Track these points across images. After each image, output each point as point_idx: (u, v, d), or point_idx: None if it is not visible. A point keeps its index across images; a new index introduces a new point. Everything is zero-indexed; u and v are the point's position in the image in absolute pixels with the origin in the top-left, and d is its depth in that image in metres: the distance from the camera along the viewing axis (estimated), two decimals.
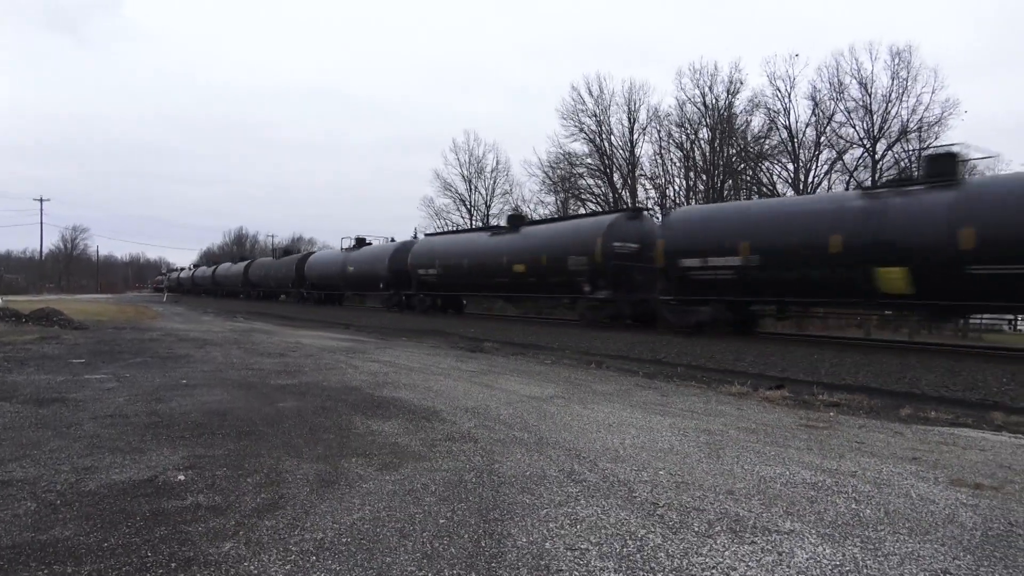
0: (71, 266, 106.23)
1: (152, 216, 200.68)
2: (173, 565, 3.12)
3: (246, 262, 56.29)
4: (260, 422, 6.39)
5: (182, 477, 4.52)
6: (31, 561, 3.15)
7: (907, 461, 5.34)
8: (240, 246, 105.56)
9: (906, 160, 34.26)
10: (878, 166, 35.54)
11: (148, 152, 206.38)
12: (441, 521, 3.72)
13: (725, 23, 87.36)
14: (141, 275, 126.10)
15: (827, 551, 3.35)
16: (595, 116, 43.99)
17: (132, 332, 18.16)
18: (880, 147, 35.66)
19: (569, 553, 3.29)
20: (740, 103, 39.97)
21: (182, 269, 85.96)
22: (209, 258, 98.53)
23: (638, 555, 3.27)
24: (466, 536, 3.50)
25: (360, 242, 37.18)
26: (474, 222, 52.46)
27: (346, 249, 38.46)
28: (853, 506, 4.08)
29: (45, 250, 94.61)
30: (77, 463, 4.85)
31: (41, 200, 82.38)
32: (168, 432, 5.89)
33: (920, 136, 34.51)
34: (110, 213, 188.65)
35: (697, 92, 40.50)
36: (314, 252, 51.57)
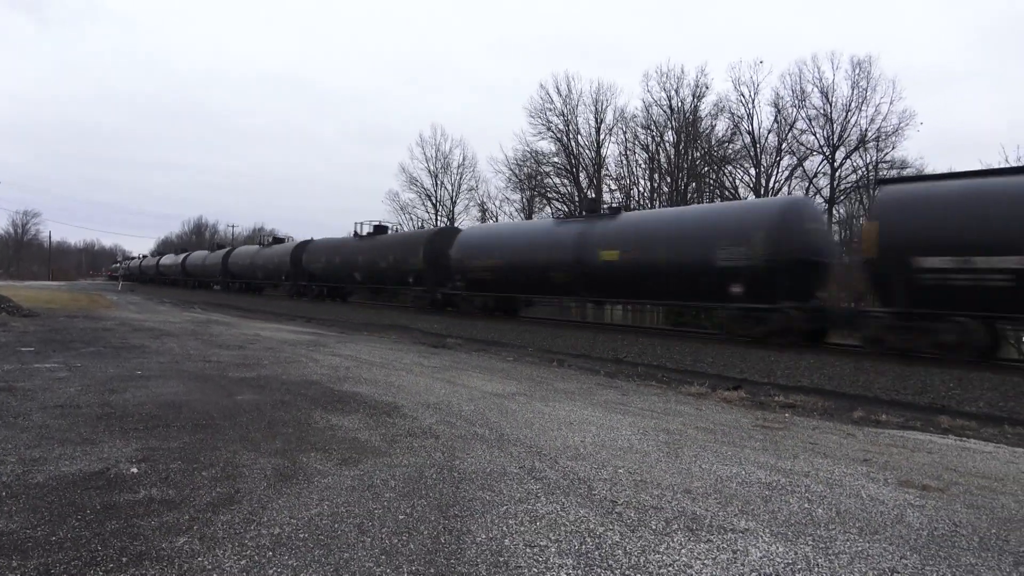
0: (22, 252, 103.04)
1: (108, 202, 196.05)
2: (124, 560, 3.06)
3: (225, 250, 51.91)
4: (217, 415, 6.28)
5: (135, 470, 4.42)
6: None
7: (858, 462, 5.47)
8: (199, 235, 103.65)
9: (863, 169, 35.13)
10: (837, 174, 36.35)
11: (104, 136, 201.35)
12: (400, 517, 3.71)
13: (693, 27, 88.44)
14: (95, 262, 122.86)
15: (780, 549, 3.42)
16: (563, 115, 44.20)
17: (85, 321, 17.67)
18: (839, 155, 36.47)
19: (528, 550, 3.30)
20: (705, 107, 40.57)
21: (139, 257, 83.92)
22: (167, 247, 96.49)
23: (596, 552, 3.30)
24: (425, 532, 3.49)
25: (380, 229, 31.92)
26: (439, 218, 52.27)
27: (260, 246, 38.90)
28: (806, 506, 4.17)
29: None
30: (24, 454, 4.71)
31: None
32: (121, 424, 5.76)
33: (878, 145, 35.42)
34: (64, 198, 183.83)
35: (663, 95, 40.99)
36: (235, 248, 51.17)
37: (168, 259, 66.17)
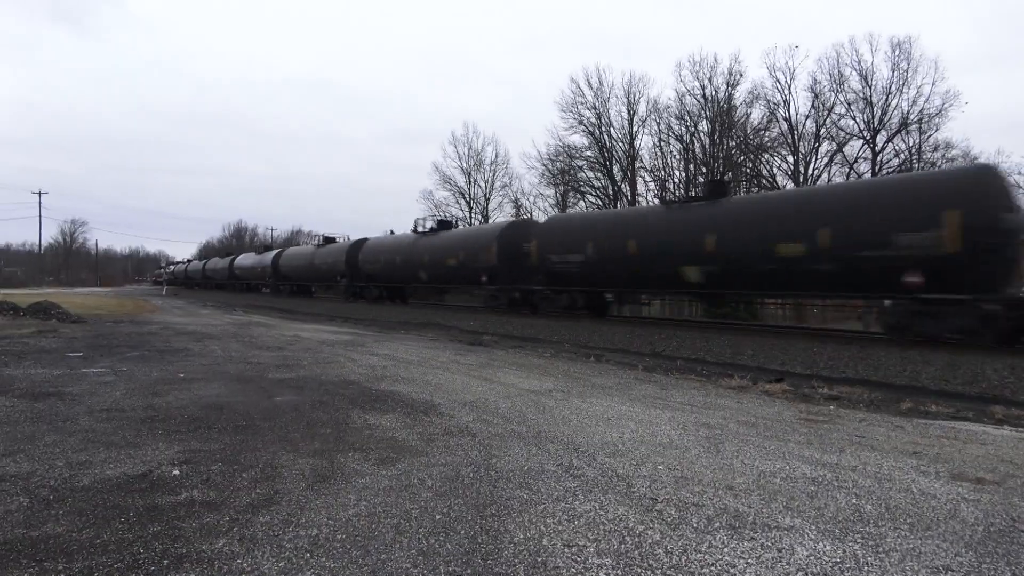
0: (70, 259, 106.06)
1: (151, 209, 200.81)
2: (165, 562, 3.09)
3: (275, 251, 50.30)
4: (257, 416, 6.35)
5: (177, 472, 4.48)
6: (22, 558, 3.12)
7: (908, 455, 5.30)
8: (240, 239, 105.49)
9: (906, 152, 34.19)
10: (878, 158, 35.45)
11: (147, 144, 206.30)
12: (437, 517, 3.69)
13: (725, 15, 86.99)
14: (141, 268, 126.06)
15: (827, 547, 3.31)
16: (594, 109, 43.89)
17: (130, 326, 18.11)
18: (880, 139, 35.57)
19: (566, 549, 3.25)
20: (740, 95, 39.93)
21: (182, 262, 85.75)
22: (209, 251, 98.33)
23: (636, 552, 3.23)
24: (462, 532, 3.46)
25: (444, 224, 30.48)
26: (473, 216, 52.38)
27: (315, 246, 38.02)
28: (853, 501, 4.04)
29: (44, 243, 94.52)
30: (72, 458, 4.81)
31: (40, 193, 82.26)
32: (164, 426, 5.85)
33: (920, 128, 34.43)
34: (109, 206, 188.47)
35: (697, 84, 40.45)
36: (285, 249, 50.61)
37: (215, 263, 64.72)
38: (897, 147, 35.34)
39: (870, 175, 34.74)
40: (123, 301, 35.20)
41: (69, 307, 21.53)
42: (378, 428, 5.93)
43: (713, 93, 40.12)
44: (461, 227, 33.01)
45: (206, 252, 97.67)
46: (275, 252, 48.49)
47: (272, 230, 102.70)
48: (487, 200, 53.27)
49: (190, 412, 6.49)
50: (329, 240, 41.38)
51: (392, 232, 35.91)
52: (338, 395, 7.58)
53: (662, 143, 42.81)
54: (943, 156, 33.40)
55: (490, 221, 48.53)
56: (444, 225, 29.84)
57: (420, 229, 30.38)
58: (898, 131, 35.05)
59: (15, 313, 18.81)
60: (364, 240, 35.67)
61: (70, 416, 6.22)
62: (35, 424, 5.88)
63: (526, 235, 22.83)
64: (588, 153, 45.10)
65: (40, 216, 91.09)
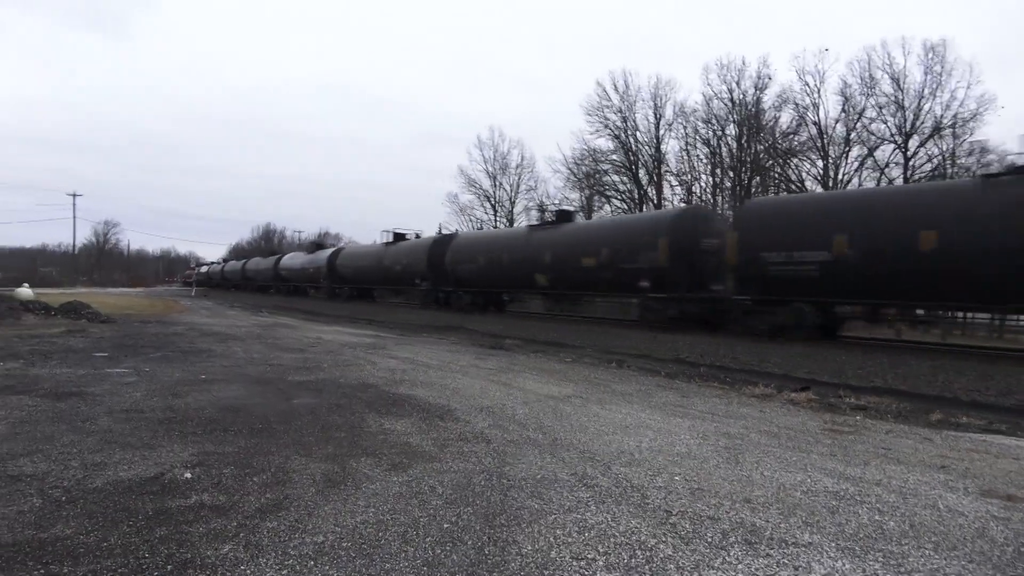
0: (103, 260, 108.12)
1: (182, 211, 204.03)
2: (169, 568, 3.06)
3: (276, 256, 52.14)
4: (274, 419, 6.36)
5: (188, 475, 4.48)
6: (29, 560, 3.12)
7: (935, 469, 5.13)
8: (268, 241, 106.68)
9: (939, 157, 33.51)
10: (910, 163, 34.78)
11: (178, 147, 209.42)
12: (445, 526, 3.63)
13: (753, 19, 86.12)
14: (172, 269, 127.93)
15: (846, 566, 3.19)
16: (620, 112, 43.70)
17: (157, 326, 18.35)
18: (912, 143, 34.89)
19: (575, 563, 3.17)
20: (768, 99, 39.52)
21: (211, 263, 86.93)
22: (238, 252, 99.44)
23: (647, 567, 3.14)
24: (470, 542, 3.40)
25: (563, 215, 26.25)
26: (498, 219, 52.39)
27: (384, 244, 34.25)
28: (876, 517, 3.90)
29: (78, 244, 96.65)
30: (87, 459, 4.83)
31: (74, 195, 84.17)
32: (181, 428, 5.87)
33: (954, 132, 33.71)
34: (141, 207, 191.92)
35: (724, 88, 40.12)
36: (344, 247, 49.82)
37: (256, 262, 60.50)
38: (930, 152, 34.68)
39: (901, 180, 34.13)
40: (153, 301, 35.76)
41: (99, 307, 21.89)
42: (393, 433, 5.89)
43: (741, 97, 39.80)
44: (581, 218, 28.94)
45: (236, 253, 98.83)
46: (331, 250, 44.39)
47: (300, 232, 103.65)
48: (512, 204, 53.30)
49: (208, 414, 6.51)
50: (400, 237, 35.76)
51: (418, 235, 35.31)
52: (355, 398, 7.56)
53: (689, 147, 42.53)
54: (978, 160, 32.66)
55: (515, 224, 48.43)
56: (564, 216, 24.95)
57: (547, 219, 25.99)
58: (931, 135, 34.39)
59: (47, 313, 19.15)
60: (452, 235, 31.29)
61: (90, 416, 6.28)
62: (55, 424, 5.93)
63: (707, 227, 19.04)
64: (614, 157, 44.95)
65: (74, 217, 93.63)
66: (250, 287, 58.84)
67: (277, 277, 51.18)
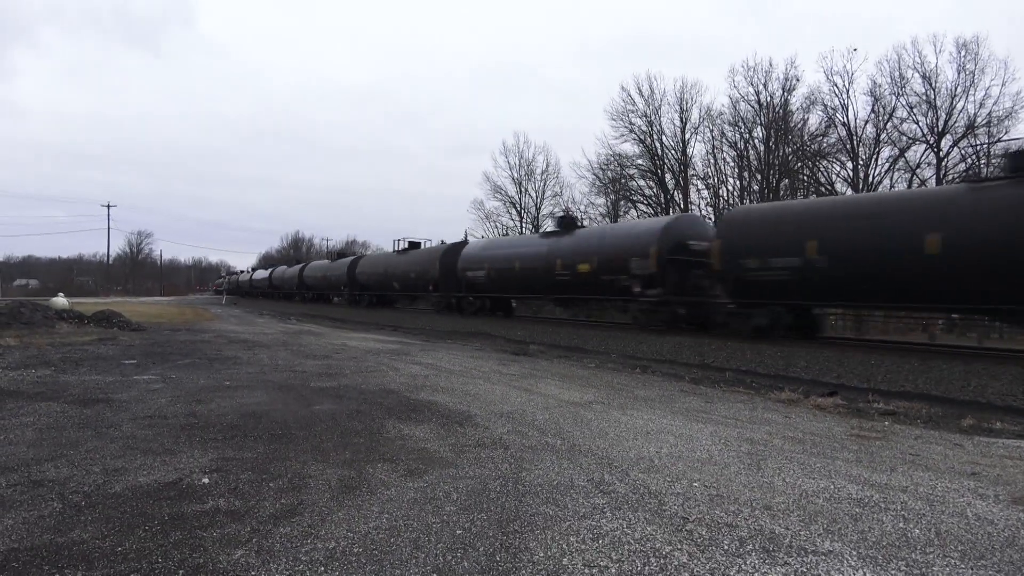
0: (136, 269, 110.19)
1: (212, 220, 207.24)
2: (181, 572, 3.07)
3: (300, 265, 52.46)
4: (294, 425, 6.39)
5: (206, 480, 4.51)
6: (45, 564, 3.15)
7: (965, 476, 4.98)
8: (296, 249, 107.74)
9: (973, 156, 32.78)
10: (943, 163, 34.08)
11: (210, 158, 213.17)
12: (458, 532, 3.60)
13: (779, 20, 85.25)
14: (203, 278, 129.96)
15: (867, 575, 3.09)
16: (645, 116, 43.39)
17: (186, 334, 18.62)
18: (945, 143, 34.18)
19: (587, 570, 3.12)
20: (796, 100, 38.93)
21: (241, 272, 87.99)
22: (267, 261, 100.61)
23: (660, 574, 3.08)
24: (481, 549, 3.36)
25: (413, 245, 30.97)
26: (524, 226, 52.38)
27: (399, 251, 35.01)
28: (900, 525, 3.79)
29: (112, 254, 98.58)
30: (108, 464, 4.89)
31: (108, 206, 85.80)
32: (202, 434, 5.93)
33: (989, 131, 32.95)
34: (174, 217, 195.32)
35: (751, 90, 39.62)
36: (364, 255, 49.91)
37: (281, 271, 60.61)
38: (964, 151, 33.93)
39: (934, 181, 33.43)
40: (183, 310, 36.30)
41: (131, 315, 22.28)
42: (411, 439, 5.88)
43: (768, 99, 39.29)
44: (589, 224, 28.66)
45: (266, 262, 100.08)
46: (351, 259, 44.38)
47: (328, 240, 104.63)
48: (538, 210, 53.18)
49: (229, 420, 6.56)
50: (414, 245, 35.98)
51: (444, 241, 35.42)
52: (376, 404, 7.57)
53: (715, 150, 42.11)
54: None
55: (540, 230, 48.37)
56: (568, 223, 24.86)
57: (586, 221, 26.31)
58: (964, 135, 33.63)
59: (80, 321, 19.54)
60: (463, 243, 31.58)
61: (114, 423, 6.36)
62: (80, 430, 6.02)
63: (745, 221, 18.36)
64: (639, 161, 44.62)
65: (108, 228, 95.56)
66: (277, 295, 59.40)
67: (302, 285, 51.71)
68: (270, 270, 66.47)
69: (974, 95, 33.25)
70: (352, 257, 45.80)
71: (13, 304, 20.35)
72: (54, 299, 26.59)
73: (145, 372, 10.00)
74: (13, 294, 51.13)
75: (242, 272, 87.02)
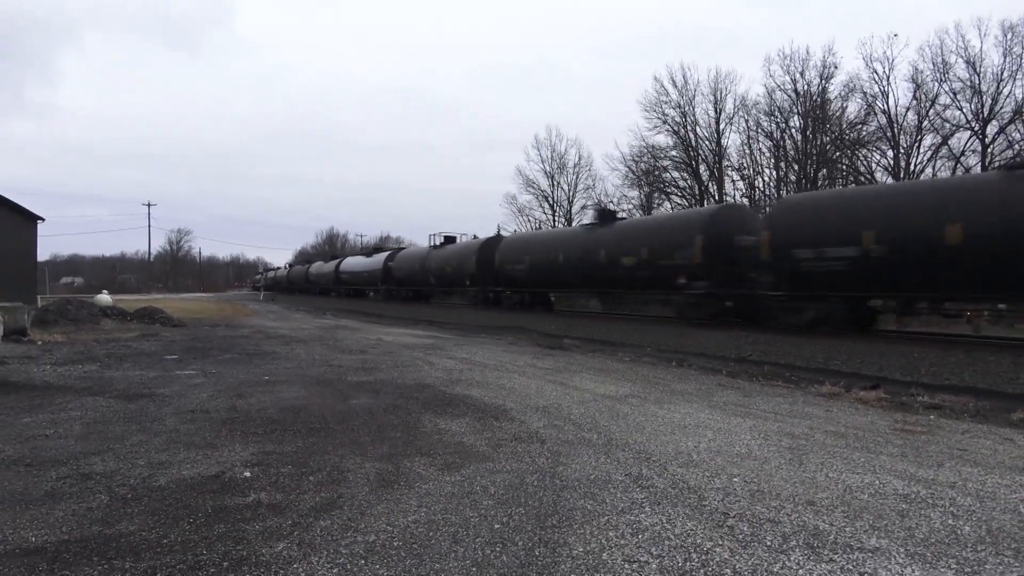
0: (176, 267, 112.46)
1: (249, 218, 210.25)
2: (225, 564, 3.12)
3: (336, 260, 52.44)
4: (331, 419, 6.46)
5: (248, 474, 4.58)
6: (94, 555, 3.22)
7: (1016, 472, 4.83)
8: (331, 245, 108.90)
9: (1021, 143, 31.76)
10: (989, 150, 33.08)
11: (247, 156, 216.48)
12: (496, 526, 3.59)
13: (816, 6, 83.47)
14: (241, 274, 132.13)
15: (916, 572, 3.02)
16: (679, 107, 42.85)
17: (225, 329, 18.96)
18: (991, 129, 33.16)
19: (627, 565, 3.10)
20: (834, 88, 38.05)
21: (278, 268, 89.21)
22: (303, 257, 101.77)
23: (701, 570, 3.04)
24: (520, 543, 3.36)
25: (448, 239, 31.35)
26: (557, 219, 52.20)
27: (434, 247, 34.84)
28: (950, 522, 3.69)
29: (153, 252, 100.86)
30: (153, 458, 5.00)
31: (149, 205, 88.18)
32: (243, 428, 6.02)
33: None
34: (212, 216, 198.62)
35: (787, 79, 38.85)
36: (400, 249, 50.02)
37: (318, 266, 60.24)
38: (1011, 137, 32.86)
39: (979, 168, 32.46)
40: (222, 306, 36.98)
41: (172, 312, 22.76)
42: (447, 433, 5.90)
43: (805, 87, 38.50)
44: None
45: (301, 258, 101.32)
46: (387, 253, 44.36)
47: (362, 236, 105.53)
48: (570, 203, 52.96)
49: (269, 414, 6.66)
50: (450, 239, 36.08)
51: (476, 235, 35.48)
52: (412, 399, 7.62)
53: (751, 141, 41.44)
54: None
55: (574, 224, 48.15)
56: (608, 215, 24.85)
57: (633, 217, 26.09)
58: (1011, 120, 32.57)
59: (123, 318, 20.03)
60: (500, 237, 31.44)
61: (158, 417, 6.50)
62: (126, 424, 6.17)
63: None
64: (673, 153, 44.10)
65: (149, 226, 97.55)
66: (313, 291, 59.65)
67: (338, 280, 51.66)
68: (306, 266, 66.94)
69: (1022, 79, 32.20)
70: (387, 252, 45.73)
71: (60, 301, 20.94)
72: (98, 296, 27.27)
73: (186, 367, 10.20)
74: (59, 291, 52.57)
75: (279, 268, 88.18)
